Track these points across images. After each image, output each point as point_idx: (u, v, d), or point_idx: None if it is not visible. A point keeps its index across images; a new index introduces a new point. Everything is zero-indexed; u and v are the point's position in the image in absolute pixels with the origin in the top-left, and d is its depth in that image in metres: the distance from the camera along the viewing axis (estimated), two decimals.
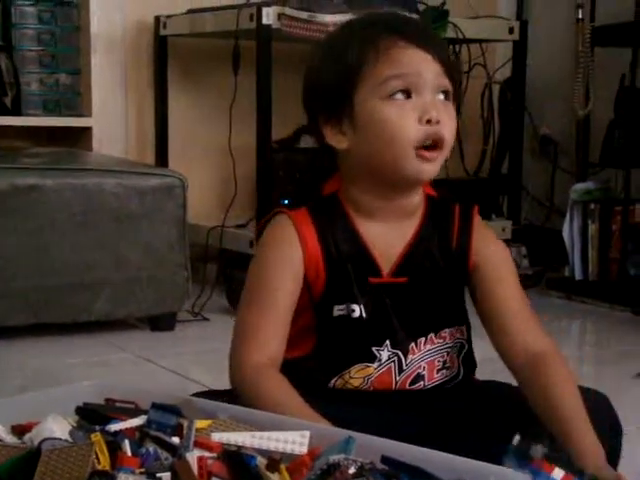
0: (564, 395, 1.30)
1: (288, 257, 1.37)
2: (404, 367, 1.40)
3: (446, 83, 1.34)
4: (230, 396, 1.33)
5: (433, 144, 1.32)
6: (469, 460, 1.08)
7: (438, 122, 1.32)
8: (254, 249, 2.68)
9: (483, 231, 1.44)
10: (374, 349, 1.39)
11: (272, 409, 1.24)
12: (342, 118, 1.35)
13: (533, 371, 1.34)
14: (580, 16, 3.18)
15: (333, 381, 1.39)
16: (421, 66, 1.32)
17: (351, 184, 1.39)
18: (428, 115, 1.31)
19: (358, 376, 1.39)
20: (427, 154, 1.32)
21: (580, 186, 3.11)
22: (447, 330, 1.42)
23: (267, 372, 1.33)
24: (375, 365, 1.39)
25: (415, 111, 1.31)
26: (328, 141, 1.37)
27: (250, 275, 1.40)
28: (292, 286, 1.37)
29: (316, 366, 1.39)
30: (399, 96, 1.32)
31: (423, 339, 1.40)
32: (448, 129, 1.33)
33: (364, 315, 1.38)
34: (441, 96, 1.34)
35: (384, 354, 1.39)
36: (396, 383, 1.40)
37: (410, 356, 1.40)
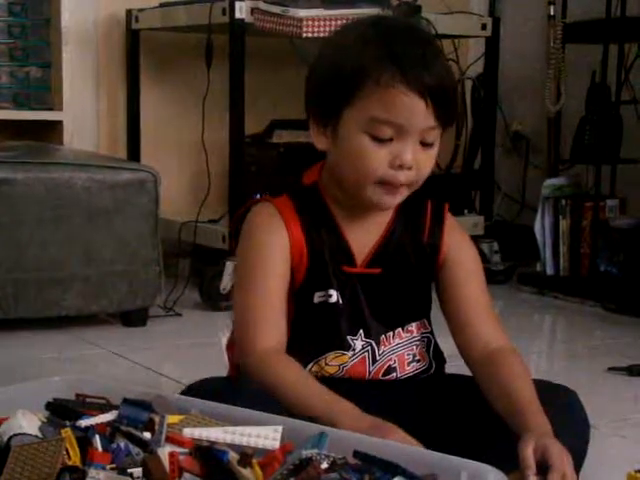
0: (520, 387, 1.32)
1: (278, 242, 1.38)
2: (377, 358, 1.42)
3: (434, 125, 1.31)
4: (232, 381, 1.36)
5: (398, 185, 1.33)
6: (442, 454, 1.09)
7: (410, 168, 1.32)
8: (227, 244, 2.67)
9: (454, 229, 1.46)
10: (349, 338, 1.41)
11: (292, 393, 1.27)
12: (328, 124, 1.36)
13: (492, 365, 1.37)
14: (552, 13, 3.20)
15: (309, 367, 1.40)
16: (414, 116, 1.30)
17: (330, 177, 1.41)
18: (401, 161, 1.31)
19: (334, 364, 1.40)
20: (390, 188, 1.33)
21: (551, 182, 3.12)
22: (413, 324, 1.45)
23: (279, 356, 1.34)
24: (350, 354, 1.41)
25: (390, 154, 1.31)
26: (312, 135, 1.38)
27: (242, 261, 1.41)
28: (285, 270, 1.38)
29: (291, 351, 1.39)
30: (381, 138, 1.31)
31: (392, 333, 1.43)
32: (421, 173, 1.34)
33: (340, 301, 1.40)
34: (429, 135, 1.32)
35: (358, 343, 1.41)
36: (369, 373, 1.42)
37: (382, 347, 1.42)
